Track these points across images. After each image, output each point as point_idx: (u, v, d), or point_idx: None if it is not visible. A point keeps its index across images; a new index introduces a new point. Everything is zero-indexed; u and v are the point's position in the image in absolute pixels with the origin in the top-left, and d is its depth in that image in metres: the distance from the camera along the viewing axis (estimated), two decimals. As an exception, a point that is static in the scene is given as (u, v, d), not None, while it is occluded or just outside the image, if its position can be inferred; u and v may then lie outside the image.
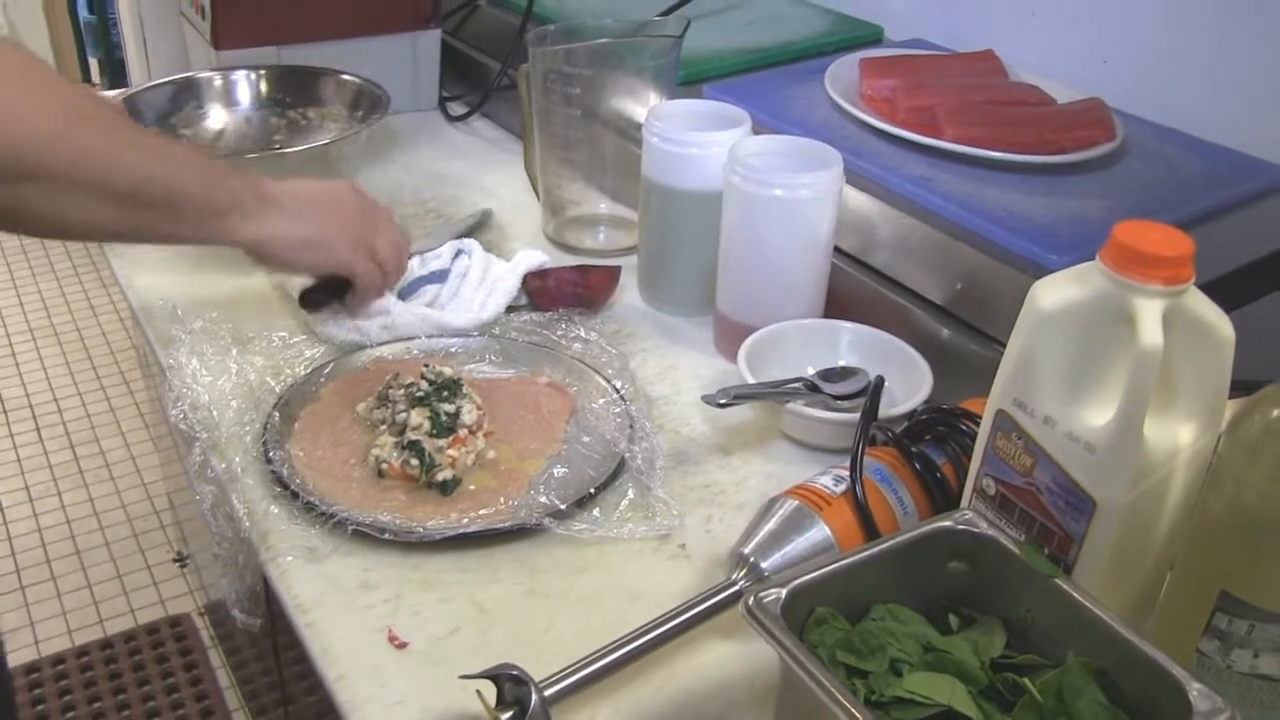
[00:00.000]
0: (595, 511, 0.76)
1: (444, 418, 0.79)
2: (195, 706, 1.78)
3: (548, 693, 0.58)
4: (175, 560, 2.05)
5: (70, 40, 2.89)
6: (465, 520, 0.74)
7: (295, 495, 0.75)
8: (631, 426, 0.82)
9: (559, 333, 0.95)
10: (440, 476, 0.76)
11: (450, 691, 0.62)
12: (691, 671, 0.65)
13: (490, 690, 0.59)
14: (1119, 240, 0.56)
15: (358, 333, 0.93)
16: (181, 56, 1.45)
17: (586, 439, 0.82)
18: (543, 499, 0.76)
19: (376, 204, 0.91)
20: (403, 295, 0.98)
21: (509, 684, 0.59)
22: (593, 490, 0.76)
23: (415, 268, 1.00)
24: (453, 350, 0.92)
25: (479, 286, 1.00)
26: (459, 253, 1.02)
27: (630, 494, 0.78)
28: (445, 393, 0.80)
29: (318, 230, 0.84)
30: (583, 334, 0.94)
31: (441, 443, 0.78)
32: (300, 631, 0.68)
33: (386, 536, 0.72)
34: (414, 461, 0.77)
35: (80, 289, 2.88)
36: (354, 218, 0.88)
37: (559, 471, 0.79)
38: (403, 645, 0.66)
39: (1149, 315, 0.55)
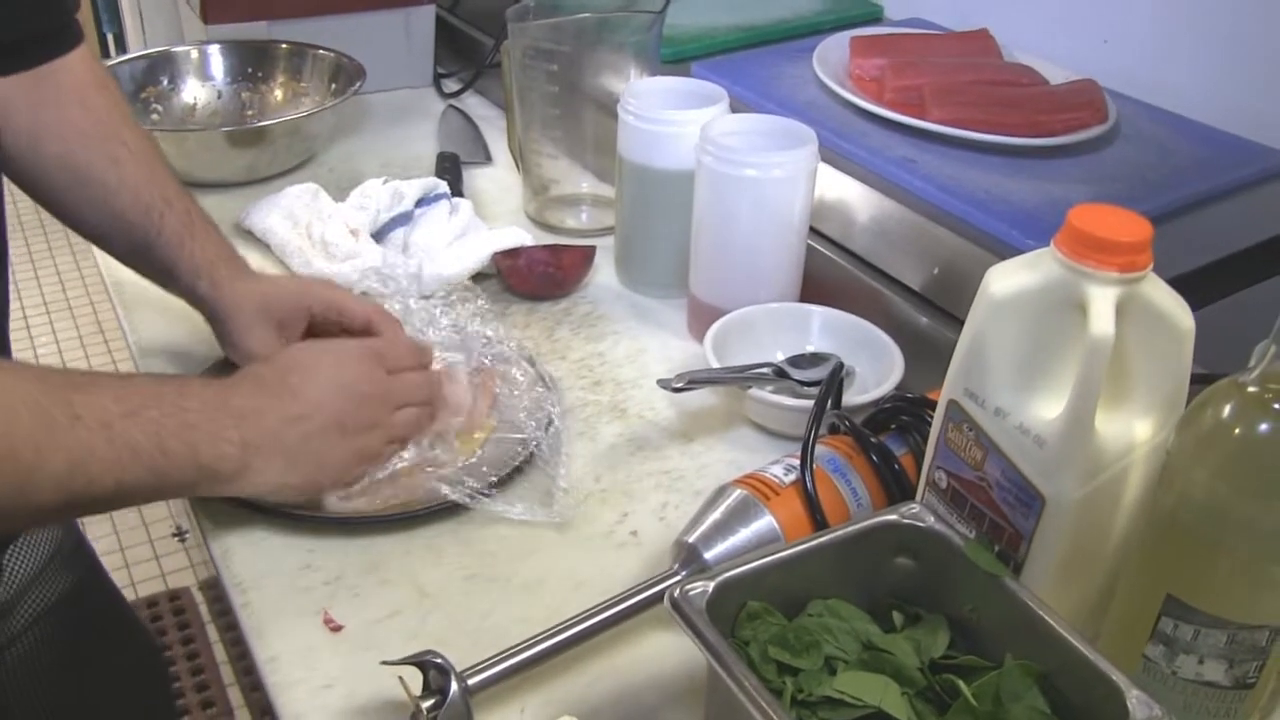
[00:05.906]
0: (501, 495, 0.74)
1: None
2: (191, 680, 1.78)
3: (470, 682, 0.57)
4: (174, 535, 2.06)
5: (89, 15, 2.91)
6: (379, 503, 0.73)
7: None
8: (548, 412, 0.80)
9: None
10: None
11: (380, 676, 0.60)
12: (629, 662, 0.63)
13: (415, 677, 0.58)
14: (1073, 225, 0.53)
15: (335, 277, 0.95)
16: (176, 31, 1.44)
17: (502, 424, 0.80)
18: (462, 483, 0.74)
19: (388, 381, 0.72)
20: (377, 237, 0.99)
21: (433, 671, 0.57)
22: (495, 478, 0.74)
23: (386, 204, 1.01)
24: None
25: (453, 243, 0.99)
26: (437, 198, 1.03)
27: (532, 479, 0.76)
28: None
29: (306, 475, 0.68)
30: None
31: None
32: (236, 611, 0.67)
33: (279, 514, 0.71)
34: None
35: (94, 263, 2.89)
36: (355, 432, 0.70)
37: (483, 455, 0.77)
38: (338, 628, 0.65)
39: (1101, 303, 0.52)
